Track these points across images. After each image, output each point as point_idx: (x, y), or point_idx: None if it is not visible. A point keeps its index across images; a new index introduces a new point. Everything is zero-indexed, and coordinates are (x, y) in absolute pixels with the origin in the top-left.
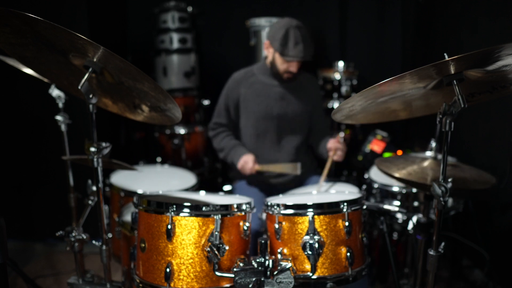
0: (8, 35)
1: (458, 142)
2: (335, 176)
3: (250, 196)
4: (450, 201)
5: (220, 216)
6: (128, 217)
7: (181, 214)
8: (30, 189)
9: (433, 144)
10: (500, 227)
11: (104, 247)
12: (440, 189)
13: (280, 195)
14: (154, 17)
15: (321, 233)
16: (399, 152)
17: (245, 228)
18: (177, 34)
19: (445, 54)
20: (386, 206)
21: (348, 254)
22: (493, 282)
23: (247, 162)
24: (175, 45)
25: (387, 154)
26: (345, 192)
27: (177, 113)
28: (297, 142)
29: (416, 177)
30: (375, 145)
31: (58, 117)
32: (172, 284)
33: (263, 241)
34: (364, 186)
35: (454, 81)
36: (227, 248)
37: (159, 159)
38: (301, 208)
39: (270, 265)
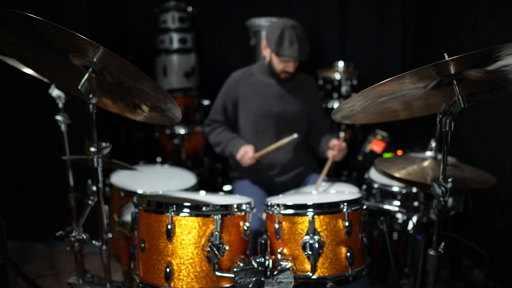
0: (8, 35)
1: (458, 142)
2: (335, 176)
3: (250, 196)
4: (450, 201)
5: (220, 216)
6: (128, 217)
7: (181, 214)
8: (30, 189)
9: (433, 144)
10: (500, 227)
11: (104, 247)
12: (440, 189)
13: (280, 195)
14: (154, 17)
15: (321, 233)
16: (399, 152)
17: (245, 228)
18: (177, 34)
19: (445, 54)
20: (386, 206)
21: (348, 254)
22: (493, 282)
23: (247, 152)
24: (175, 45)
25: (387, 155)
26: (345, 192)
27: (177, 113)
28: (296, 141)
29: (416, 177)
30: (375, 145)
31: (58, 117)
32: (172, 284)
33: (263, 241)
34: (364, 186)
35: (454, 81)
36: (227, 248)
37: (159, 159)
38: (301, 208)
39: (270, 265)
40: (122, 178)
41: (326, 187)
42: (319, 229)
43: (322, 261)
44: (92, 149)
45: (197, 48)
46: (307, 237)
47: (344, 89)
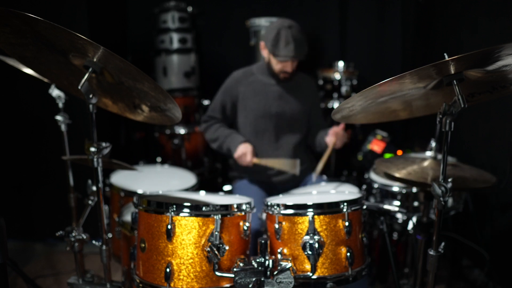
0: (8, 35)
1: (458, 142)
2: (335, 176)
3: (250, 196)
4: (450, 201)
5: (220, 216)
6: (128, 217)
7: (181, 214)
8: (30, 189)
9: (433, 144)
10: (500, 227)
11: (104, 247)
12: (440, 189)
13: (280, 195)
14: (154, 17)
15: (321, 233)
16: (399, 152)
17: (245, 228)
18: (177, 34)
19: (445, 54)
20: (386, 206)
21: (348, 254)
22: (493, 282)
23: (245, 155)
24: (175, 45)
25: (387, 155)
26: (345, 192)
27: (177, 113)
28: (295, 141)
29: (416, 177)
30: (375, 145)
31: (58, 117)
32: (172, 284)
33: (263, 241)
34: (364, 186)
35: (454, 81)
36: (227, 248)
37: (159, 159)
38: (301, 208)
39: (270, 265)
40: (122, 178)
41: (326, 187)
42: (319, 229)
43: (322, 261)
44: (92, 149)
45: (197, 48)
46: (307, 237)
47: (344, 89)
